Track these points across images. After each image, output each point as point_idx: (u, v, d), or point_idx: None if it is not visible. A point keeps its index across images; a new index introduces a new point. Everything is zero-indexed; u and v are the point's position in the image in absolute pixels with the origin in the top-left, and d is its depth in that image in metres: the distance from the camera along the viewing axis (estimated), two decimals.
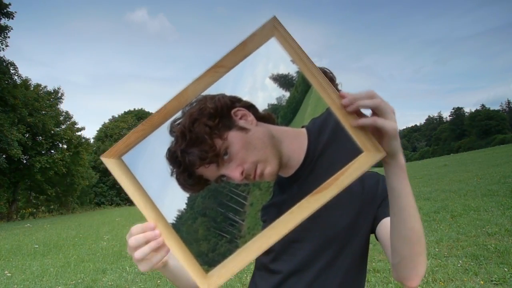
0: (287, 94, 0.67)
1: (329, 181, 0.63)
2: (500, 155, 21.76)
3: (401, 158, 0.68)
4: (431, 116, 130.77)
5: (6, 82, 19.97)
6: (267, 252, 0.96)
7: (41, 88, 25.81)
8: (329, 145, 0.85)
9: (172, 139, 0.73)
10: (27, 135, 22.46)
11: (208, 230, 0.70)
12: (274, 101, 0.68)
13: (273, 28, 0.61)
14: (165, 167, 0.69)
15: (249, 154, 0.75)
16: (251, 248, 0.64)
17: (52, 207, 28.39)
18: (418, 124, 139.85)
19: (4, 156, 20.14)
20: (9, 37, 20.16)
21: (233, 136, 0.74)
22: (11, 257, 7.61)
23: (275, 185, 0.89)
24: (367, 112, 0.64)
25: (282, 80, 0.66)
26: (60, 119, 26.23)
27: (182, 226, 0.67)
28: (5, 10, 19.56)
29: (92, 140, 36.71)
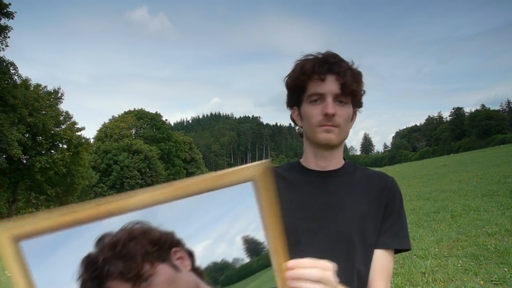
0: (245, 260, 0.65)
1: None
2: (500, 155, 21.75)
3: None
4: (431, 116, 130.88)
5: (6, 82, 19.94)
6: None
7: (41, 88, 25.76)
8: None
9: (94, 246, 0.71)
10: (27, 135, 22.43)
11: None
12: (227, 259, 0.66)
13: (260, 173, 0.59)
14: (64, 270, 0.63)
15: None
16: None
17: (52, 207, 28.39)
18: (418, 124, 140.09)
19: (4, 156, 20.11)
20: (9, 37, 20.12)
21: (163, 269, 0.75)
22: None
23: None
24: None
25: (252, 246, 0.65)
26: (60, 119, 26.19)
27: None
28: (5, 10, 19.53)
29: (92, 140, 36.69)
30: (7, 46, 20.14)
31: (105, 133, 45.00)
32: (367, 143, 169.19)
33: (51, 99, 25.84)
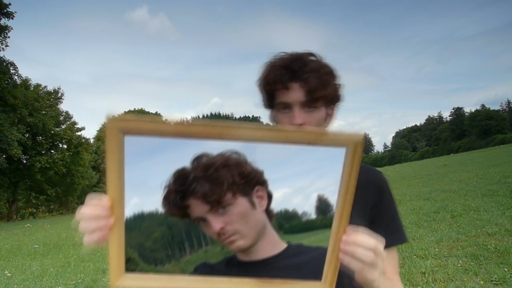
0: (312, 216, 0.70)
1: (278, 282, 0.66)
2: (500, 155, 21.76)
3: (374, 282, 0.71)
4: (431, 116, 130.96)
5: (6, 82, 19.95)
6: None
7: (41, 88, 25.78)
8: (299, 265, 0.89)
9: (190, 163, 0.77)
10: (27, 135, 22.45)
11: (161, 240, 0.72)
12: (297, 210, 0.71)
13: (354, 143, 0.62)
14: (156, 175, 0.66)
15: (239, 222, 0.82)
16: (174, 279, 0.65)
17: (52, 207, 28.39)
18: (418, 124, 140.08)
19: (4, 156, 20.12)
20: (9, 37, 20.17)
21: (242, 202, 0.81)
22: (11, 257, 7.61)
23: (235, 260, 0.94)
24: None
25: (323, 205, 0.69)
26: (60, 119, 26.21)
27: (137, 223, 0.68)
28: (5, 10, 19.54)
29: (92, 140, 36.65)
30: (7, 46, 20.20)
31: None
32: (367, 143, 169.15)
33: (51, 99, 25.86)
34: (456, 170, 16.90)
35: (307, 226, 0.71)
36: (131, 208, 0.65)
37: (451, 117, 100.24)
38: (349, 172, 0.64)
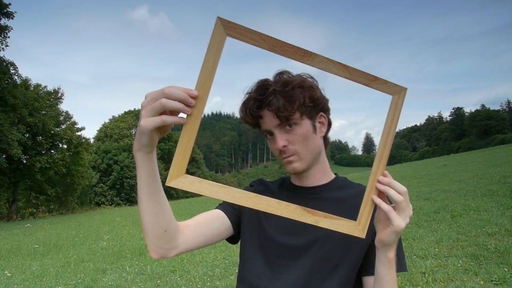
0: (359, 152, 0.72)
1: (320, 215, 0.69)
2: (500, 155, 21.74)
3: (392, 252, 0.75)
4: (431, 116, 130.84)
5: (6, 82, 19.90)
6: (245, 261, 0.98)
7: (41, 88, 25.75)
8: (342, 199, 0.96)
9: (273, 76, 0.88)
10: (27, 135, 22.41)
11: (229, 145, 0.71)
12: (348, 143, 0.74)
13: (398, 93, 0.69)
14: (243, 79, 0.68)
15: (300, 143, 0.88)
16: (226, 191, 0.65)
17: (52, 207, 28.33)
18: (418, 124, 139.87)
19: (4, 156, 20.09)
20: (9, 37, 20.07)
21: (306, 124, 0.89)
22: (11, 257, 7.61)
23: (288, 182, 1.04)
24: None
25: (368, 144, 0.71)
26: (60, 119, 26.17)
27: (212, 123, 0.65)
28: (5, 10, 19.49)
29: (92, 140, 36.64)
30: (7, 46, 20.12)
31: (105, 133, 44.94)
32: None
33: (51, 99, 25.82)
34: (456, 170, 16.88)
35: (353, 161, 0.73)
36: (211, 106, 0.64)
37: (451, 117, 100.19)
38: (391, 118, 0.70)
